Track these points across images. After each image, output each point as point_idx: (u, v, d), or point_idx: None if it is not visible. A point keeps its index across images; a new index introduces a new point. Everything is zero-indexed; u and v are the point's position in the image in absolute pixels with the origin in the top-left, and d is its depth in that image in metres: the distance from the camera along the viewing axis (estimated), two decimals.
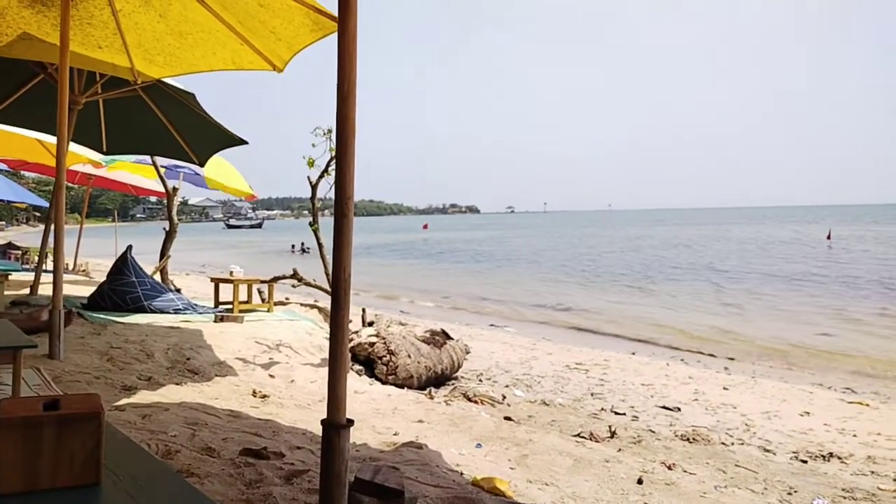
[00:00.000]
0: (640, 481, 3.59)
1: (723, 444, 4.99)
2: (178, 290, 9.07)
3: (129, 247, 7.71)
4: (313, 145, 6.03)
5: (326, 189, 6.26)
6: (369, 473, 2.59)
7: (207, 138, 7.31)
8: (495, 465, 3.65)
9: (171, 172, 10.82)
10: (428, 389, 6.16)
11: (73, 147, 8.20)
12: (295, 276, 6.60)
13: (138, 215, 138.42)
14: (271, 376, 5.29)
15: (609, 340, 10.81)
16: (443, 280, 21.65)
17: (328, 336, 2.35)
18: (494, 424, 4.70)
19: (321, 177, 6.22)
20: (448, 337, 7.17)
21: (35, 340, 2.70)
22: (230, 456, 2.96)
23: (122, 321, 6.32)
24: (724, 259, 26.90)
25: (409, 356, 6.31)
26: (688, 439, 5.03)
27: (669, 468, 4.01)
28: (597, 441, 4.66)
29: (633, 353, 9.40)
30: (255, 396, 4.56)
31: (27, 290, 7.75)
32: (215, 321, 6.93)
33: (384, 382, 6.14)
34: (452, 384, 6.70)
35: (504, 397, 6.17)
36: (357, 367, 6.36)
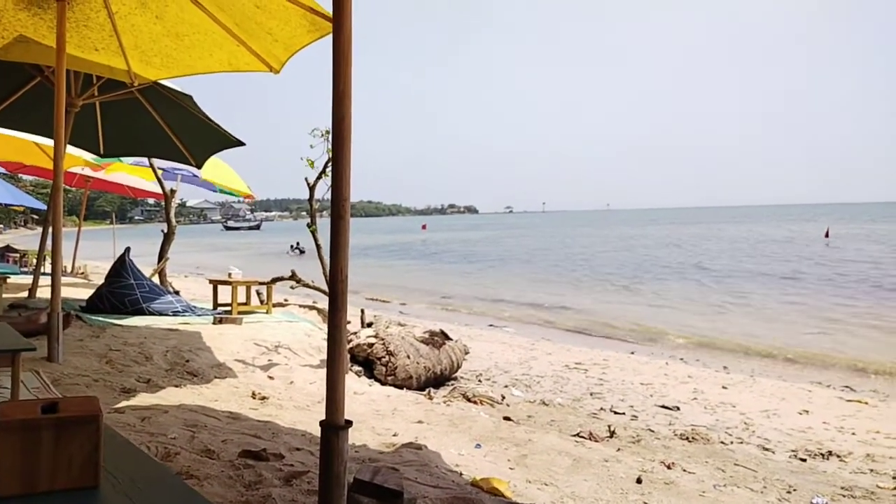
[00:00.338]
0: (639, 480, 3.60)
1: (722, 442, 4.99)
2: (177, 292, 9.07)
3: (128, 249, 7.70)
4: (311, 146, 6.03)
5: (324, 190, 6.26)
6: (368, 474, 2.59)
7: (205, 140, 7.31)
8: (494, 466, 3.66)
9: (169, 174, 10.82)
10: (427, 390, 6.16)
11: (71, 149, 8.20)
12: (293, 277, 6.60)
13: (136, 217, 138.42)
14: (270, 378, 5.29)
15: (607, 340, 10.82)
16: (441, 280, 21.66)
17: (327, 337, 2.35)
18: (494, 425, 4.70)
19: (319, 178, 6.21)
20: (447, 337, 7.18)
21: (34, 343, 2.70)
22: (229, 458, 2.96)
23: (120, 323, 6.32)
24: (714, 258, 26.95)
25: (409, 357, 6.31)
26: (687, 438, 5.04)
27: (668, 467, 4.01)
28: (596, 441, 4.66)
29: (632, 353, 9.41)
30: (254, 398, 4.56)
31: (25, 293, 7.75)
32: (214, 323, 6.93)
33: (383, 383, 6.15)
34: (452, 385, 6.71)
35: (503, 397, 6.17)
36: (356, 368, 6.36)
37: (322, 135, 5.92)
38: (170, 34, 4.94)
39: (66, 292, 6.54)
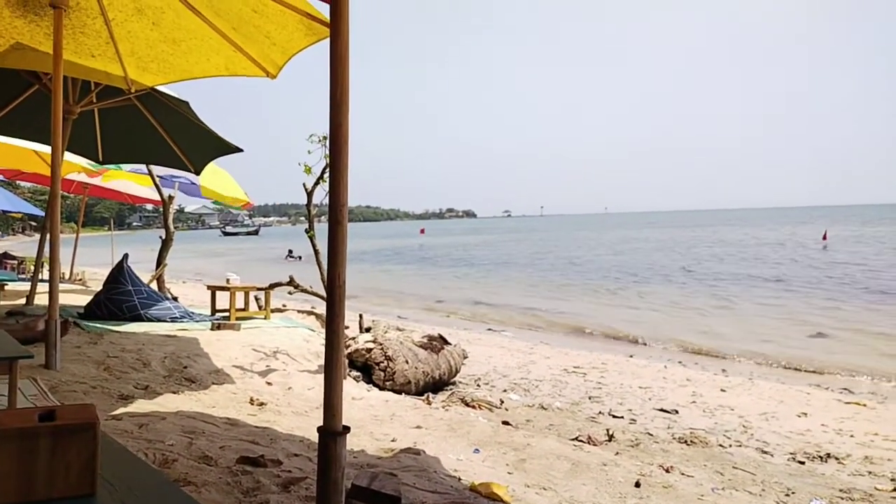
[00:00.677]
0: (637, 484, 3.59)
1: (720, 446, 5.00)
2: (175, 299, 9.06)
3: (126, 255, 7.70)
4: (309, 152, 6.04)
5: (322, 195, 6.27)
6: (366, 480, 2.59)
7: (202, 146, 7.32)
8: (493, 470, 3.65)
9: (167, 182, 10.83)
10: (426, 395, 6.15)
11: (69, 156, 8.21)
12: (291, 282, 6.60)
13: (135, 223, 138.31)
14: (268, 384, 5.29)
15: (606, 344, 10.82)
16: (438, 284, 21.65)
17: None
18: (492, 429, 4.69)
19: (317, 183, 6.22)
20: (446, 342, 7.17)
21: (31, 350, 2.70)
22: (227, 464, 2.96)
23: (118, 330, 6.31)
24: (702, 262, 26.98)
25: (407, 362, 6.31)
26: (685, 442, 5.04)
27: (667, 471, 4.01)
28: (594, 444, 4.66)
29: (631, 356, 9.41)
30: (252, 404, 4.56)
31: (23, 300, 7.74)
32: (212, 329, 6.92)
33: (382, 388, 6.14)
34: (450, 389, 6.70)
35: (502, 402, 6.17)
36: (355, 373, 6.36)
37: (320, 140, 5.93)
38: (166, 40, 4.96)
39: (63, 299, 6.53)
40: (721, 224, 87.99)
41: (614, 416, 5.89)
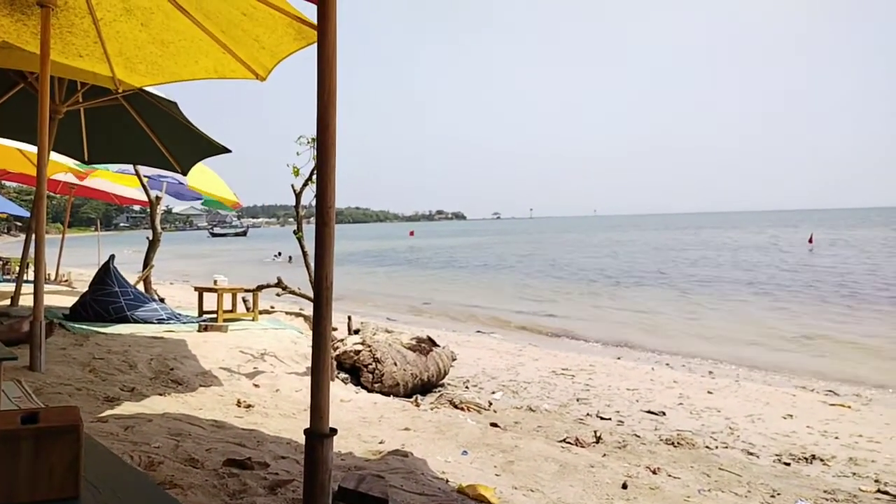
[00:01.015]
0: (624, 486, 3.61)
1: (707, 447, 5.03)
2: (162, 300, 9.01)
3: (112, 256, 7.64)
4: (297, 154, 6.04)
5: (311, 197, 6.26)
6: (353, 482, 2.58)
7: (190, 147, 7.28)
8: (481, 472, 3.66)
9: (154, 182, 10.76)
10: (414, 397, 6.15)
11: (55, 156, 8.14)
12: (279, 284, 6.58)
13: (122, 224, 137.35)
14: (256, 385, 5.26)
15: (594, 346, 10.86)
16: (427, 286, 21.64)
17: None
18: (480, 431, 4.70)
19: (305, 185, 6.21)
20: (434, 344, 7.17)
21: (16, 352, 2.68)
22: (214, 466, 2.94)
23: (104, 332, 6.26)
24: (688, 265, 27.13)
25: (395, 364, 6.31)
26: (672, 443, 5.07)
27: (654, 472, 4.03)
28: (582, 446, 4.68)
29: (619, 358, 9.46)
30: (239, 406, 4.53)
31: (8, 301, 7.66)
32: (199, 331, 6.88)
33: (370, 390, 6.13)
34: (439, 391, 6.70)
35: (490, 404, 6.18)
36: (343, 375, 6.34)
37: (308, 142, 5.93)
38: (155, 41, 4.93)
39: (49, 300, 6.47)
40: (709, 226, 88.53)
41: (602, 418, 5.91)
